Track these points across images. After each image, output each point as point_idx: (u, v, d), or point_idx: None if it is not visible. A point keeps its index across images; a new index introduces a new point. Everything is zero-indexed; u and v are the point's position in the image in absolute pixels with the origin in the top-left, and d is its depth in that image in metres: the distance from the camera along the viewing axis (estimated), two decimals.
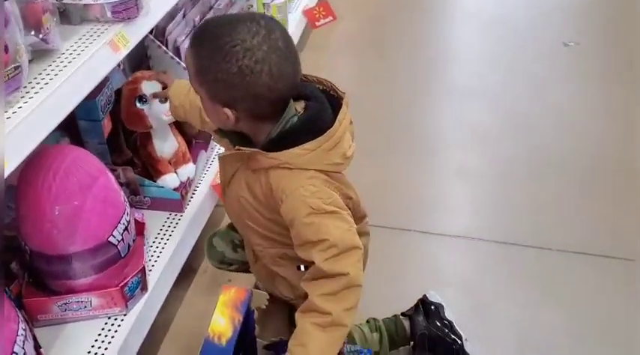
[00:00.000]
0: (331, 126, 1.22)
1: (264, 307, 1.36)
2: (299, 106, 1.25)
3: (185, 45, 2.03)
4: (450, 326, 1.52)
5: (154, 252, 1.59)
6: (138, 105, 1.64)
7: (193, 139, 1.89)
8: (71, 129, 1.62)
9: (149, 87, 1.65)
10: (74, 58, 1.19)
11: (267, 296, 1.36)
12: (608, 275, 1.82)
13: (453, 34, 3.37)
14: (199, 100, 1.27)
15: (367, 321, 1.53)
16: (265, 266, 1.44)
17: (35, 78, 1.12)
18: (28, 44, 1.09)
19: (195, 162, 1.79)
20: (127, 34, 1.33)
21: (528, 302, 1.74)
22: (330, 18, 3.06)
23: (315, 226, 1.19)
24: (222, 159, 1.34)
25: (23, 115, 1.03)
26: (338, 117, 1.24)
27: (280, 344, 1.35)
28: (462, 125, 2.54)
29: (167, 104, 1.60)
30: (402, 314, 1.55)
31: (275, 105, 1.21)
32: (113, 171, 1.52)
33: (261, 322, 1.43)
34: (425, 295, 1.58)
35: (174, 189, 1.70)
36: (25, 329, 1.19)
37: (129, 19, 1.33)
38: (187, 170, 1.75)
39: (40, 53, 1.17)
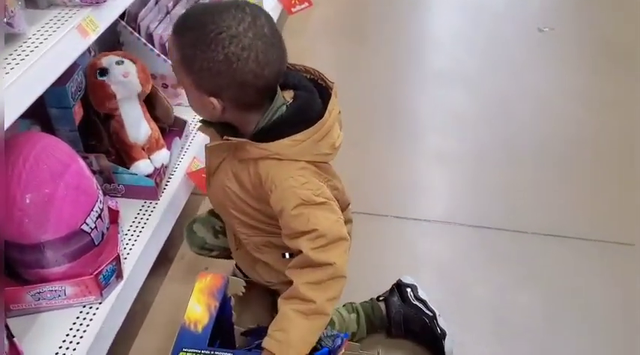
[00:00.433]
0: (321, 117, 1.22)
1: (241, 294, 1.36)
2: (288, 96, 1.25)
3: (158, 31, 2.01)
4: (424, 303, 1.55)
5: (129, 240, 1.57)
6: (99, 77, 1.64)
7: (167, 127, 1.88)
8: (42, 116, 1.59)
9: (109, 60, 1.66)
10: (41, 43, 1.17)
11: (244, 283, 1.36)
12: (584, 258, 1.84)
13: (430, 20, 3.37)
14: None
15: (343, 305, 1.54)
16: (248, 252, 1.44)
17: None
18: None
19: (169, 149, 1.77)
20: (96, 18, 1.31)
21: (505, 285, 1.75)
22: (306, 4, 3.02)
23: (305, 217, 1.20)
24: (209, 149, 1.33)
25: None
26: (328, 107, 1.24)
27: (258, 331, 1.35)
28: (440, 110, 2.55)
29: (124, 66, 1.63)
30: (378, 298, 1.58)
31: (261, 94, 1.21)
32: (85, 158, 1.50)
33: (239, 309, 1.42)
34: (399, 279, 1.61)
35: (149, 176, 1.68)
36: None
37: (97, 3, 1.30)
38: (161, 156, 1.73)
39: (5, 38, 1.13)
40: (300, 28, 3.05)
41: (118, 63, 1.66)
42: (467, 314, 1.66)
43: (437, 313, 1.53)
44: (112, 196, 1.64)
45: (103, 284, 1.40)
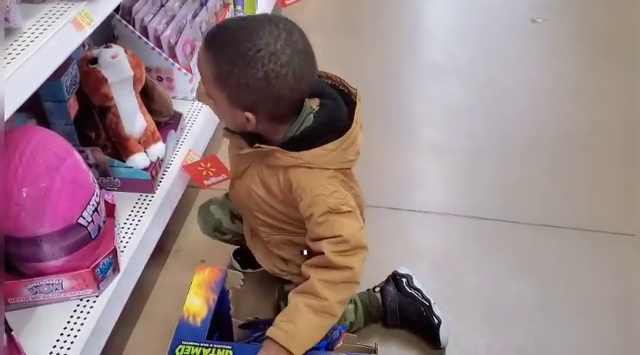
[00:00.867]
0: (348, 125, 1.25)
1: (239, 287, 1.37)
2: (314, 104, 1.26)
3: (152, 24, 2.00)
4: (419, 292, 1.57)
5: (126, 233, 1.57)
6: (90, 66, 1.65)
7: (163, 121, 1.88)
8: (38, 110, 1.59)
9: (98, 49, 1.68)
10: (37, 37, 1.16)
11: (242, 277, 1.37)
12: (576, 248, 1.86)
13: (425, 12, 3.37)
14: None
15: None
16: (262, 241, 1.46)
17: None
18: None
19: (164, 142, 1.77)
20: (91, 12, 1.30)
21: (497, 275, 1.77)
22: None
23: (330, 223, 1.24)
24: (239, 156, 1.34)
25: None
26: (354, 116, 1.27)
27: (256, 324, 1.36)
28: (435, 102, 2.56)
29: (112, 49, 1.64)
30: (374, 288, 1.59)
31: (294, 106, 1.23)
32: (81, 152, 1.50)
33: (237, 302, 1.43)
34: (395, 270, 1.63)
35: (145, 169, 1.68)
36: None
37: None
38: (157, 149, 1.73)
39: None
40: (293, 21, 3.04)
41: (106, 46, 1.67)
42: (461, 305, 1.67)
43: (432, 301, 1.55)
44: (108, 190, 1.65)
45: (99, 278, 1.40)
